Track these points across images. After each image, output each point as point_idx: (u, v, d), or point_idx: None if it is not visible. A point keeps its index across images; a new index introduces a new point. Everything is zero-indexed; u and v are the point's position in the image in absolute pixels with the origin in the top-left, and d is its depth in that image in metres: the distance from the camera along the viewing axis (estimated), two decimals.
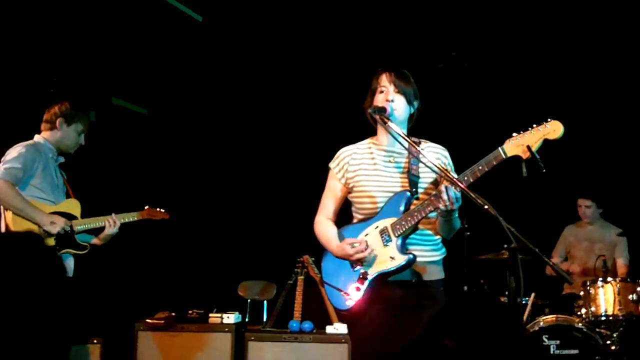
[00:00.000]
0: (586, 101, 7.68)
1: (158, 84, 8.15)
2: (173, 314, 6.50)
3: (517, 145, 3.61)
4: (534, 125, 3.61)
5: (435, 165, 3.74)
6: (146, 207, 5.71)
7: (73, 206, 5.41)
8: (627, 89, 7.62)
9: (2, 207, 5.13)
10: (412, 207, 3.81)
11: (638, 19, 7.06)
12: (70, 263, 5.31)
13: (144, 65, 7.80)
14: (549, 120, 3.59)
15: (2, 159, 5.16)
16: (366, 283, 3.83)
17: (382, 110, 3.85)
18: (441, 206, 3.62)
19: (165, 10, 6.87)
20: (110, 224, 5.47)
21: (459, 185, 3.56)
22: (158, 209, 5.80)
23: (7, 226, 5.07)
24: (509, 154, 3.62)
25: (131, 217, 5.63)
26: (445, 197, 3.58)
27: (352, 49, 7.70)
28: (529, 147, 3.56)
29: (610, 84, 7.66)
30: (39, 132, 5.44)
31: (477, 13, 7.31)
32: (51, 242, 5.12)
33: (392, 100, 3.90)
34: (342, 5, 7.27)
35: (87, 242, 5.45)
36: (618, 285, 6.05)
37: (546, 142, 3.59)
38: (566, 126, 3.56)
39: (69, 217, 5.30)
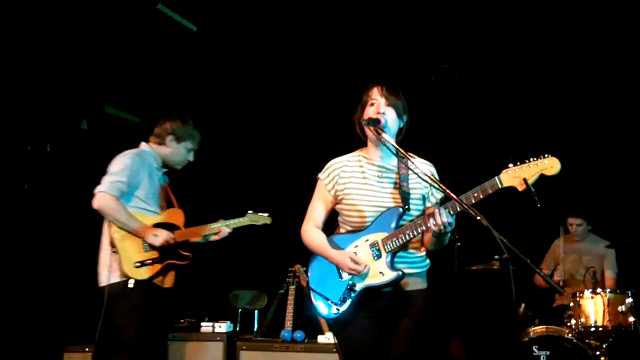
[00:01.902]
0: (576, 114, 7.72)
1: (151, 92, 8.16)
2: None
3: (514, 177, 3.66)
4: (532, 159, 3.67)
5: (430, 178, 3.78)
6: (249, 212, 5.63)
7: (176, 216, 5.36)
8: (614, 106, 7.67)
9: (106, 220, 5.10)
10: (404, 225, 3.85)
11: (625, 38, 7.13)
12: (171, 274, 5.24)
13: (138, 74, 7.81)
14: (547, 155, 3.65)
15: (108, 168, 5.13)
16: (353, 295, 3.87)
17: (376, 122, 3.88)
18: (434, 228, 3.67)
19: (160, 19, 6.89)
20: (225, 232, 5.46)
21: (453, 198, 3.60)
22: (260, 214, 5.69)
23: (111, 239, 5.04)
24: (505, 184, 3.67)
25: (236, 222, 5.57)
26: (439, 221, 3.63)
27: (343, 62, 7.73)
28: (525, 181, 3.61)
29: (598, 101, 7.71)
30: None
31: (468, 25, 7.35)
32: (154, 254, 5.09)
33: (384, 113, 3.94)
34: (333, 18, 7.30)
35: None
36: (607, 296, 6.08)
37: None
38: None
39: (172, 227, 5.26)
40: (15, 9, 6.50)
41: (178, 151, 5.42)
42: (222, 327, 6.41)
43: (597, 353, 6.01)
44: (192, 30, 7.22)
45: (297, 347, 6.19)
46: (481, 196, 3.68)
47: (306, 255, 4.16)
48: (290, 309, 6.53)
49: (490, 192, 3.68)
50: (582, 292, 6.21)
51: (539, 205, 3.56)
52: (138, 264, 4.99)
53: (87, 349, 6.47)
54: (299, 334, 6.31)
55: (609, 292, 6.15)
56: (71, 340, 6.69)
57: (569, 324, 6.23)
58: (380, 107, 3.95)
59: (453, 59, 7.89)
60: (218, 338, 6.32)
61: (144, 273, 5.01)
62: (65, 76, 7.33)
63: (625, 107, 7.64)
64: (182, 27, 7.09)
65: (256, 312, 7.07)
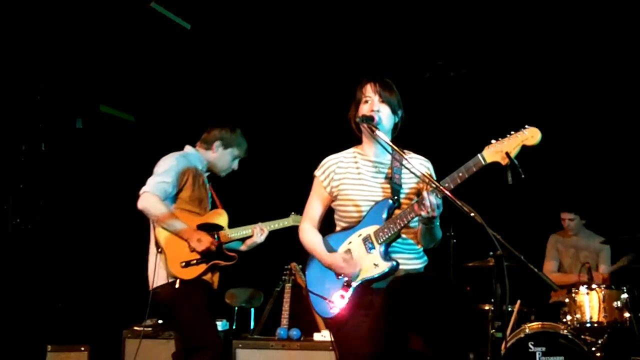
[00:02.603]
0: (569, 113, 7.72)
1: (146, 91, 8.15)
2: (160, 321, 6.50)
3: (496, 151, 3.65)
4: (512, 132, 3.65)
5: (422, 173, 3.78)
6: (292, 213, 5.64)
7: (220, 217, 5.38)
8: (606, 100, 7.67)
9: (151, 220, 5.11)
10: (395, 215, 3.85)
11: (618, 32, 7.13)
12: (216, 274, 5.24)
13: (132, 73, 7.80)
14: (527, 127, 3.64)
15: (154, 169, 5.16)
16: (350, 290, 3.86)
17: (370, 119, 3.89)
18: (423, 213, 3.66)
19: (154, 18, 6.88)
20: (258, 232, 5.46)
21: (443, 191, 3.60)
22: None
23: (157, 241, 5.07)
24: (488, 160, 3.66)
25: (279, 224, 5.61)
26: (427, 203, 3.62)
27: (337, 59, 7.72)
28: (507, 154, 3.60)
29: (591, 95, 7.72)
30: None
31: (463, 22, 7.35)
32: (198, 254, 5.08)
33: (378, 110, 3.93)
34: (328, 15, 7.29)
35: (235, 249, 5.44)
36: (603, 292, 6.09)
37: (531, 151, 3.64)
38: (548, 137, 3.60)
39: (216, 227, 5.28)
40: (10, 8, 6.49)
41: (224, 157, 5.46)
42: (218, 325, 6.40)
43: (593, 349, 6.02)
44: (186, 29, 7.20)
45: (293, 345, 6.19)
46: (466, 175, 3.68)
47: (301, 253, 4.16)
48: (286, 307, 6.53)
49: (474, 170, 3.68)
50: (578, 288, 6.21)
51: (523, 177, 3.55)
52: (184, 264, 5.01)
53: (82, 349, 6.46)
54: (295, 332, 6.31)
55: (605, 287, 6.15)
56: (55, 339, 6.68)
57: (564, 320, 6.23)
58: (374, 105, 3.94)
59: (448, 55, 7.89)
60: None
61: (191, 273, 5.03)
62: (60, 75, 7.31)
63: (618, 103, 7.65)
64: (176, 25, 7.08)
65: (252, 310, 7.06)
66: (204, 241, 5.06)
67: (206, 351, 4.97)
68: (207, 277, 5.13)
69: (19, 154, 6.91)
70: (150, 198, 4.99)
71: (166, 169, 5.11)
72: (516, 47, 7.54)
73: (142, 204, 4.99)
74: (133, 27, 7.08)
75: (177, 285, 5.00)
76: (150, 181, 5.06)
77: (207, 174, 5.46)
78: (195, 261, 5.06)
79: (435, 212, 3.65)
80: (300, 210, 5.41)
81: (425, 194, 3.66)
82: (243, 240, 5.51)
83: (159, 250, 5.06)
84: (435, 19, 7.32)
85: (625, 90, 7.56)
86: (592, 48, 7.38)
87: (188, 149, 5.43)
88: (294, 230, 4.33)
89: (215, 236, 5.22)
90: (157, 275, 5.08)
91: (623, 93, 7.60)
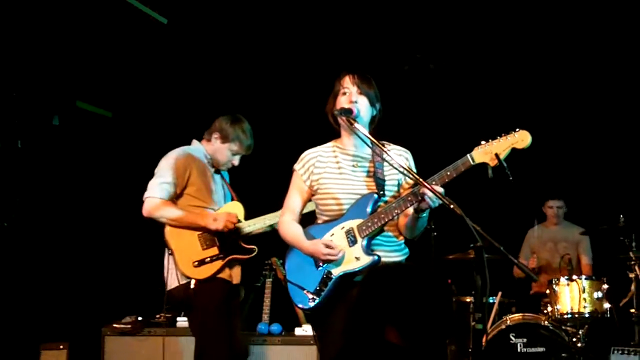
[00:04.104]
0: (550, 103, 7.75)
1: (123, 87, 8.10)
2: (140, 318, 6.46)
3: (486, 152, 3.67)
4: (503, 134, 3.68)
5: (402, 167, 3.77)
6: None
7: (236, 208, 5.16)
8: (590, 90, 7.70)
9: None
10: (379, 209, 3.83)
11: (599, 26, 7.16)
12: (236, 270, 5.08)
13: (109, 68, 7.74)
14: (518, 129, 3.66)
15: (156, 169, 5.02)
16: (330, 283, 3.85)
17: (349, 111, 3.87)
18: (428, 201, 3.63)
19: (130, 12, 6.82)
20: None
21: (423, 184, 3.59)
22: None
23: (166, 242, 4.94)
24: (477, 161, 3.68)
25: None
26: (430, 194, 3.60)
27: (316, 52, 7.70)
28: (497, 155, 3.61)
29: (574, 86, 7.75)
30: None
31: (441, 15, 7.35)
32: (214, 251, 4.95)
33: (356, 102, 3.92)
34: (307, 9, 7.27)
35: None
36: (583, 283, 6.11)
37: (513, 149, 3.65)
38: (527, 124, 3.61)
39: None
40: None
41: (222, 151, 5.22)
42: None
43: (574, 339, 6.05)
44: (163, 23, 7.15)
45: (274, 340, 6.17)
46: (454, 174, 3.69)
47: (282, 248, 4.14)
48: (267, 301, 6.50)
49: (462, 169, 3.70)
50: (558, 279, 6.23)
51: (511, 179, 3.56)
52: (196, 263, 4.88)
53: (61, 346, 6.42)
54: (275, 327, 6.29)
55: (585, 278, 6.18)
56: (48, 337, 6.64)
57: (545, 311, 6.25)
58: (352, 96, 3.93)
59: (426, 48, 7.88)
60: None
61: (205, 272, 4.89)
62: (36, 71, 7.24)
63: (599, 98, 7.68)
64: (153, 20, 7.03)
65: None
66: (220, 219, 4.93)
67: (219, 352, 4.87)
68: (225, 274, 4.96)
69: None
70: (152, 202, 4.88)
71: (166, 168, 4.97)
72: (497, 38, 7.55)
73: (146, 210, 4.89)
74: (109, 21, 7.02)
75: (192, 286, 4.87)
76: (151, 184, 4.94)
77: (215, 170, 5.28)
78: (209, 259, 4.92)
79: (436, 203, 3.65)
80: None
81: (428, 186, 3.63)
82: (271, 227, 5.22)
83: (170, 252, 4.94)
84: (413, 12, 7.31)
85: (608, 84, 7.59)
86: (572, 36, 7.41)
87: (193, 143, 5.26)
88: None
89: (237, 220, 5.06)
90: (171, 275, 4.95)
91: (605, 88, 7.63)
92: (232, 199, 5.30)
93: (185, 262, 4.89)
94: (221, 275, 4.96)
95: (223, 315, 4.95)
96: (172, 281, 4.95)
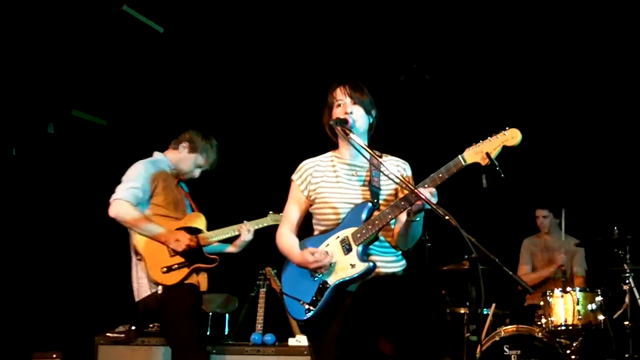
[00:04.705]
0: (546, 115, 7.76)
1: (118, 95, 8.09)
2: (134, 327, 6.44)
3: (477, 152, 3.68)
4: (493, 134, 3.67)
5: (395, 175, 3.78)
6: (270, 212, 5.56)
7: (198, 220, 5.31)
8: (584, 98, 7.72)
9: (128, 228, 5.05)
10: (373, 216, 3.83)
11: (590, 31, 7.18)
12: (201, 277, 5.18)
13: (105, 77, 7.74)
14: (507, 128, 3.66)
15: (123, 177, 5.09)
16: (326, 293, 3.83)
17: (344, 122, 3.87)
18: (418, 203, 3.65)
19: (126, 21, 6.82)
20: (245, 230, 5.40)
21: (419, 196, 3.59)
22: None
23: (135, 247, 5.01)
24: (469, 161, 3.68)
25: (259, 223, 5.51)
26: (424, 194, 3.60)
27: (312, 63, 7.71)
28: (488, 154, 3.61)
29: (569, 97, 7.76)
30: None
31: (437, 25, 7.36)
32: (181, 258, 5.04)
33: (351, 112, 3.93)
34: (303, 19, 7.29)
35: (220, 252, 5.39)
36: (577, 295, 6.11)
37: (505, 153, 3.64)
38: (524, 136, 3.62)
39: (194, 231, 5.20)
40: None
41: (187, 160, 5.39)
42: None
43: (568, 352, 6.04)
44: (159, 32, 7.15)
45: (267, 350, 6.15)
46: (446, 176, 3.70)
47: (277, 257, 4.13)
48: (261, 312, 6.49)
49: (454, 171, 3.70)
50: (553, 290, 6.23)
51: (502, 176, 3.56)
52: (165, 269, 4.96)
53: (54, 355, 6.40)
54: (269, 337, 6.27)
55: (579, 290, 6.17)
56: (40, 346, 6.62)
57: (539, 323, 6.24)
58: (347, 107, 3.94)
59: (422, 58, 7.90)
60: None
61: (174, 278, 4.98)
62: (32, 79, 7.24)
63: (594, 106, 7.70)
64: (149, 29, 7.03)
65: (227, 315, 7.01)
66: (182, 240, 5.03)
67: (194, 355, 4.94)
68: (193, 279, 5.09)
69: None
70: (121, 204, 4.94)
71: (135, 175, 5.07)
72: (491, 48, 7.57)
73: (113, 211, 4.95)
74: (105, 30, 7.02)
75: (159, 292, 4.95)
76: (119, 188, 5.01)
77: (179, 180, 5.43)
78: (177, 265, 5.01)
79: (433, 199, 3.64)
80: (276, 209, 5.40)
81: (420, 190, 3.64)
82: (226, 241, 5.47)
83: (138, 257, 5.01)
84: (410, 22, 7.33)
85: (602, 96, 7.61)
86: (568, 52, 7.42)
87: (156, 154, 5.39)
88: (268, 234, 4.30)
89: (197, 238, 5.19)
90: (140, 285, 5.04)
91: (600, 100, 7.64)
92: (193, 210, 5.42)
93: (154, 268, 4.97)
94: (189, 280, 5.06)
95: (195, 320, 5.07)
96: (144, 290, 5.02)
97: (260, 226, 5.52)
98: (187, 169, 5.40)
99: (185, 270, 5.04)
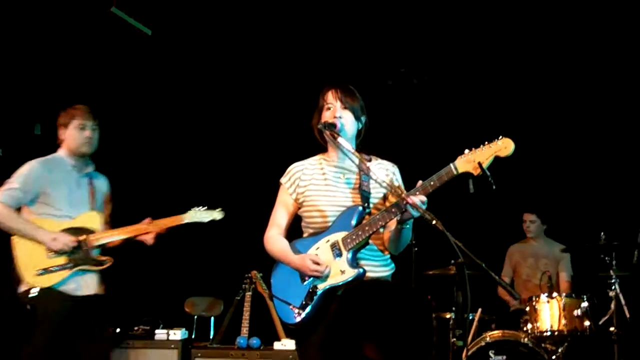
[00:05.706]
0: (533, 120, 7.77)
1: (105, 97, 8.05)
2: (118, 330, 6.41)
3: (469, 161, 3.66)
4: (486, 142, 3.66)
5: (385, 182, 3.78)
6: (193, 208, 5.41)
7: (92, 219, 5.12)
8: (573, 103, 7.74)
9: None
10: (364, 221, 3.83)
11: (580, 36, 7.21)
12: (87, 279, 5.02)
13: (92, 78, 7.70)
14: (501, 137, 3.65)
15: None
16: (315, 298, 3.83)
17: (332, 126, 3.88)
18: (412, 211, 3.63)
19: (114, 23, 6.80)
20: (149, 237, 5.20)
21: (407, 201, 3.59)
22: (206, 210, 5.49)
23: (13, 249, 4.90)
24: (460, 170, 3.67)
25: (175, 220, 5.30)
26: (411, 202, 3.60)
27: (300, 67, 7.71)
28: (480, 164, 3.60)
29: (557, 103, 7.78)
30: None
31: (425, 30, 7.37)
32: (61, 260, 4.90)
33: (340, 117, 3.93)
34: (291, 23, 7.29)
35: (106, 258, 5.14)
36: (563, 301, 6.11)
37: (495, 159, 3.64)
38: (515, 142, 3.61)
39: (85, 231, 5.03)
40: None
41: (69, 137, 5.14)
42: (177, 334, 6.33)
43: (553, 357, 6.05)
44: (147, 34, 7.13)
45: (252, 354, 6.15)
46: (437, 184, 3.69)
47: (263, 261, 4.12)
48: (246, 315, 6.48)
49: (446, 179, 3.69)
50: (538, 296, 6.23)
51: (494, 187, 3.55)
52: (41, 272, 4.83)
53: None
54: (254, 341, 6.27)
55: (565, 296, 6.18)
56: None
57: (525, 328, 6.24)
58: (336, 111, 3.94)
59: (410, 63, 7.91)
60: (172, 346, 6.25)
61: (50, 280, 4.85)
62: (18, 80, 7.20)
63: (582, 110, 7.72)
64: (137, 31, 7.01)
65: (212, 319, 7.00)
66: (59, 240, 4.87)
67: None
68: (69, 286, 4.92)
69: None
70: None
71: (16, 176, 4.98)
72: (480, 53, 7.59)
73: None
74: (93, 32, 7.00)
75: (33, 294, 4.83)
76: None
77: (85, 171, 5.23)
78: (56, 267, 4.88)
79: (423, 207, 3.64)
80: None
81: (411, 196, 3.64)
82: (126, 241, 5.23)
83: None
84: (397, 27, 7.33)
85: (591, 102, 7.63)
86: (558, 59, 7.45)
87: (58, 152, 5.22)
88: (254, 238, 4.27)
89: (80, 239, 4.99)
90: (18, 284, 4.91)
91: (587, 107, 7.67)
92: (102, 208, 5.27)
93: (27, 269, 4.85)
94: (64, 287, 4.90)
95: (46, 328, 4.83)
96: (20, 288, 4.90)
97: (176, 223, 5.29)
98: (77, 142, 5.14)
99: (66, 273, 4.89)
